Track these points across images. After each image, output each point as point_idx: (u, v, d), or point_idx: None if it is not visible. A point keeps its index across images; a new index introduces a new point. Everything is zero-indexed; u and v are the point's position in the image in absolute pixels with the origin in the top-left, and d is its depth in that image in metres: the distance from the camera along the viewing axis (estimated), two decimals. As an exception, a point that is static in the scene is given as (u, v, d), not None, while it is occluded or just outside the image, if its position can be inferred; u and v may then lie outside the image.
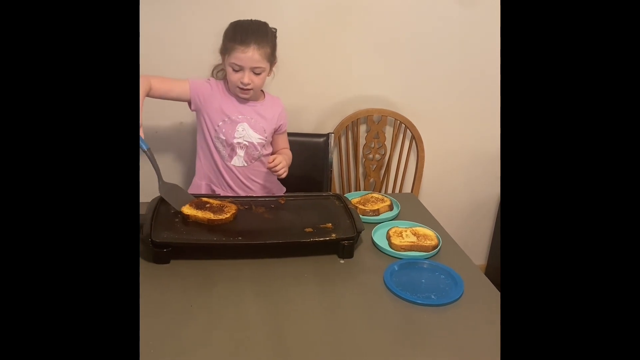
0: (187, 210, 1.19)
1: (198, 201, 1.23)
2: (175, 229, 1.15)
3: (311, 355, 0.88)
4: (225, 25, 1.45)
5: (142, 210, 1.19)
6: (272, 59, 1.45)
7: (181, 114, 1.76)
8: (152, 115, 1.74)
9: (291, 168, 1.61)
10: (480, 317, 1.00)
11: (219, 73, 1.56)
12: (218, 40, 1.46)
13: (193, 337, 0.90)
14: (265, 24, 1.45)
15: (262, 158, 1.55)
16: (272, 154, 1.58)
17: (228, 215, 1.20)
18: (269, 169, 1.44)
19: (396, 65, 1.89)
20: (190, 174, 1.85)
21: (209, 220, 1.17)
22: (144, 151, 1.17)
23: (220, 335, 0.91)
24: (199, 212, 1.19)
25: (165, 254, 1.10)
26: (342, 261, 1.17)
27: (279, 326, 0.94)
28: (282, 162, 1.44)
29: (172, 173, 1.86)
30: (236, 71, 1.41)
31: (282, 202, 1.32)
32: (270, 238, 1.17)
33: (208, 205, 1.22)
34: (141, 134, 1.18)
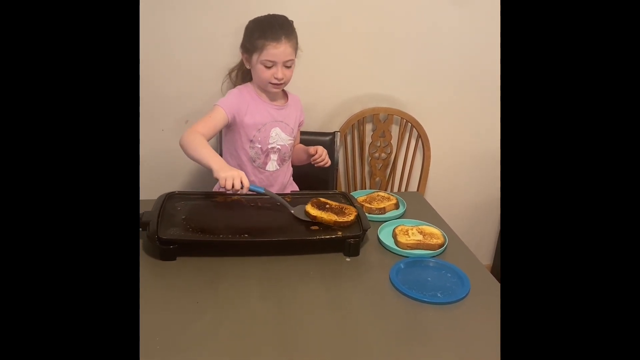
0: (313, 211, 1.21)
1: (317, 201, 1.26)
2: (181, 226, 1.15)
3: (317, 353, 0.88)
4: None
5: (149, 208, 1.19)
6: (297, 50, 1.43)
7: (186, 113, 1.77)
8: (156, 114, 1.76)
9: (297, 166, 1.62)
10: (486, 316, 0.99)
11: (238, 76, 1.54)
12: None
13: (199, 334, 0.90)
14: (285, 17, 1.43)
15: (289, 158, 1.55)
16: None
17: (352, 217, 1.21)
18: (313, 159, 1.44)
19: (402, 64, 1.88)
20: (197, 171, 1.85)
21: (335, 222, 1.19)
22: (263, 194, 1.25)
23: (226, 331, 0.91)
24: (324, 213, 1.21)
25: (171, 250, 1.11)
26: (348, 259, 1.17)
27: (285, 323, 0.94)
28: (325, 150, 1.45)
29: (180, 169, 1.87)
30: (269, 67, 1.38)
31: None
32: (277, 235, 1.17)
33: (328, 206, 1.25)
34: (247, 185, 1.19)
